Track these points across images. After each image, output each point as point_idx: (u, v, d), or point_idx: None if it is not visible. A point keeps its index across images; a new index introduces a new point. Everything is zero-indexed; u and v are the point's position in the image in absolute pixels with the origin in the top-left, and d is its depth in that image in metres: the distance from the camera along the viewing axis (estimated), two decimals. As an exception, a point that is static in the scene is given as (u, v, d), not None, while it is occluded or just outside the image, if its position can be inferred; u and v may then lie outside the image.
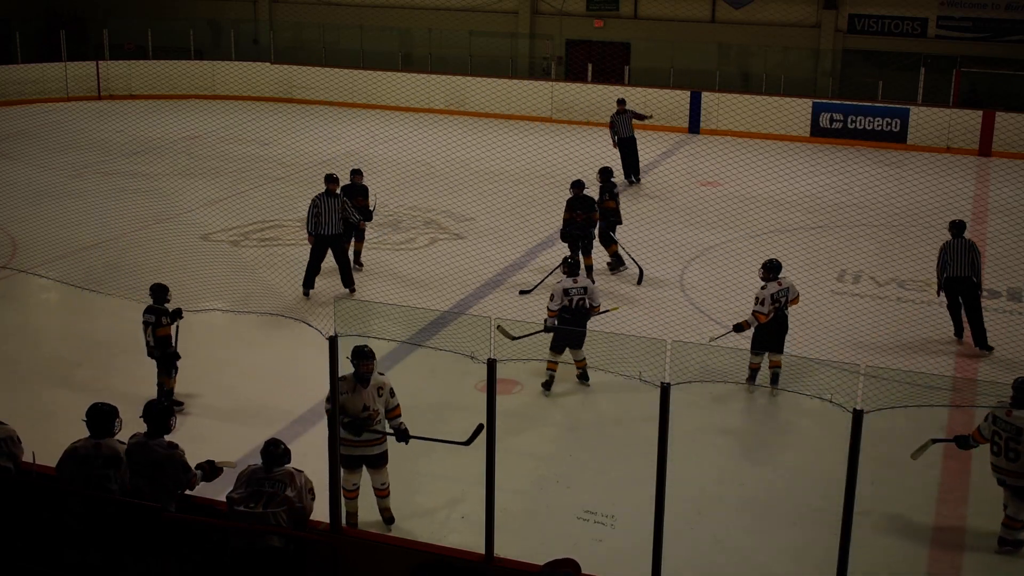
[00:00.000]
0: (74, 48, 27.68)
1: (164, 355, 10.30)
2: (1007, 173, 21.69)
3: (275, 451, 7.00)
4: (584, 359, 10.87)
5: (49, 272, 13.79)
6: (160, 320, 10.22)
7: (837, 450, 6.50)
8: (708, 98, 25.21)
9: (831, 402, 6.11)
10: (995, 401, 9.12)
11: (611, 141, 20.13)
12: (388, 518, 8.46)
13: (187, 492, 7.24)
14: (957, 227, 12.67)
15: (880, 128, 24.12)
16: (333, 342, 6.80)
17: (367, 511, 8.41)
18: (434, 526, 8.44)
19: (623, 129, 19.93)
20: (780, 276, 10.98)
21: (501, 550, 6.77)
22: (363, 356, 8.18)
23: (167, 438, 7.20)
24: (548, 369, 10.87)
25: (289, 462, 7.06)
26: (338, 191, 13.53)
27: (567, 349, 10.86)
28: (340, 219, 13.39)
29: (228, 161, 21.34)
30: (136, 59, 28.40)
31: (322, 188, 13.51)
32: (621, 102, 20.12)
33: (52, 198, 17.93)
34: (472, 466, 8.73)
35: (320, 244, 13.36)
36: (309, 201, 13.55)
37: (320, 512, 7.11)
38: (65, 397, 10.39)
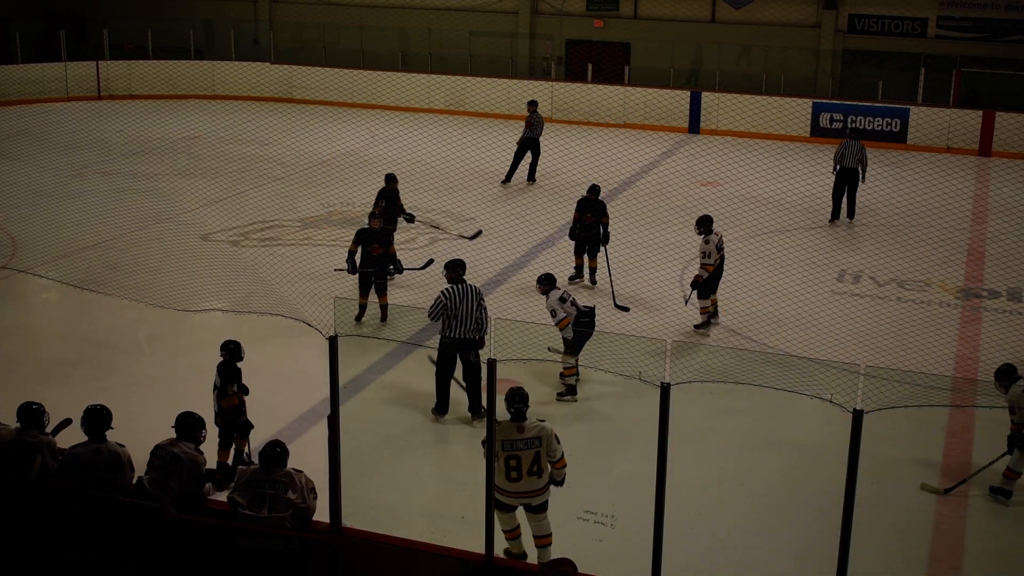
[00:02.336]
0: (74, 48, 27.66)
1: (230, 425, 8.88)
2: (1007, 173, 21.69)
3: (271, 453, 6.96)
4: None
5: (49, 272, 13.79)
6: (226, 389, 8.73)
7: (837, 450, 6.50)
8: (708, 98, 25.21)
9: (831, 402, 6.11)
10: (996, 401, 9.16)
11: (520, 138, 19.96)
12: None
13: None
14: (856, 132, 18.35)
15: (880, 128, 24.11)
16: (333, 342, 6.80)
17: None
18: (434, 526, 8.44)
19: (538, 129, 19.84)
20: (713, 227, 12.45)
21: (501, 550, 6.77)
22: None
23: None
24: (570, 374, 10.78)
25: (287, 463, 7.05)
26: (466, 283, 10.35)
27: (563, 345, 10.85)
28: (478, 318, 10.17)
29: (228, 161, 21.33)
30: (136, 59, 28.39)
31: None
32: (532, 104, 20.12)
33: (52, 198, 17.92)
34: (472, 467, 8.76)
35: (448, 353, 10.23)
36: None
37: (320, 512, 7.11)
38: (65, 397, 10.37)
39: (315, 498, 7.02)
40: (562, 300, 10.66)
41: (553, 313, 10.64)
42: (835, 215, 17.35)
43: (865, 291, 14.20)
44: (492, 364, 6.52)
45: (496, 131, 23.78)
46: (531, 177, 19.97)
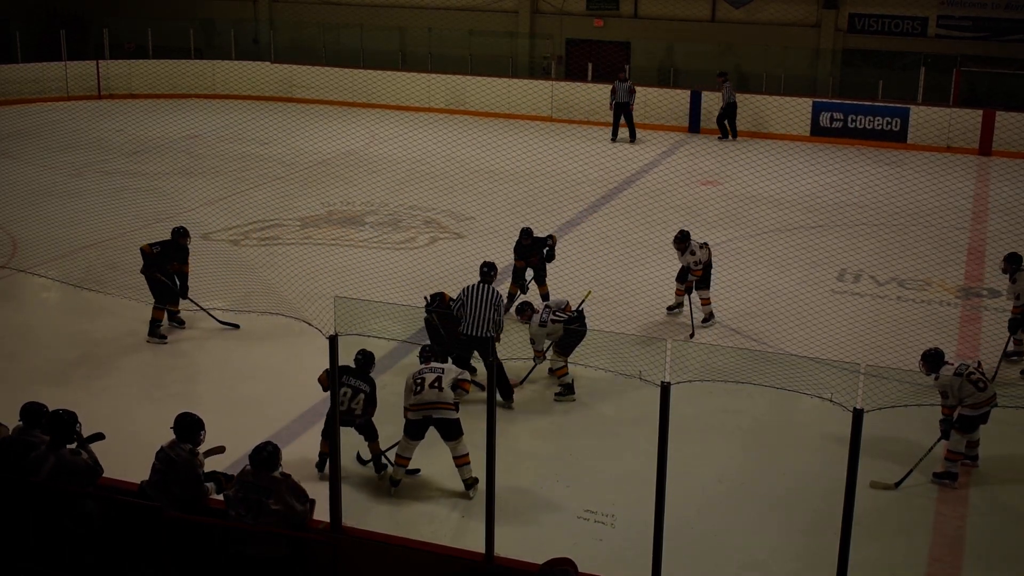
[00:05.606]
0: (74, 48, 27.65)
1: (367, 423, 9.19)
2: (1007, 173, 21.68)
3: (257, 457, 6.84)
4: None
5: (49, 272, 13.78)
6: (375, 395, 9.12)
7: (837, 449, 6.49)
8: (708, 98, 25.19)
9: (831, 402, 6.11)
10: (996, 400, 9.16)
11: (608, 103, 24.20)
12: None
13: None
14: (623, 71, 23.62)
15: (880, 127, 24.10)
16: (333, 342, 6.79)
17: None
18: (434, 526, 8.44)
19: (620, 95, 23.80)
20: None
21: (501, 550, 6.77)
22: None
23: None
24: (564, 373, 10.75)
25: (278, 466, 6.91)
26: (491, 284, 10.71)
27: (553, 348, 10.83)
28: (495, 319, 10.48)
29: (228, 161, 21.33)
30: (136, 59, 28.38)
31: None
32: (623, 69, 24.42)
33: (52, 198, 17.92)
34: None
35: (464, 349, 10.55)
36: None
37: (320, 512, 7.10)
38: (65, 397, 10.36)
39: (305, 500, 6.92)
40: (542, 324, 10.66)
41: (533, 342, 10.70)
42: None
43: (865, 290, 14.20)
44: (491, 364, 6.53)
45: (496, 130, 23.80)
46: (631, 137, 23.84)
